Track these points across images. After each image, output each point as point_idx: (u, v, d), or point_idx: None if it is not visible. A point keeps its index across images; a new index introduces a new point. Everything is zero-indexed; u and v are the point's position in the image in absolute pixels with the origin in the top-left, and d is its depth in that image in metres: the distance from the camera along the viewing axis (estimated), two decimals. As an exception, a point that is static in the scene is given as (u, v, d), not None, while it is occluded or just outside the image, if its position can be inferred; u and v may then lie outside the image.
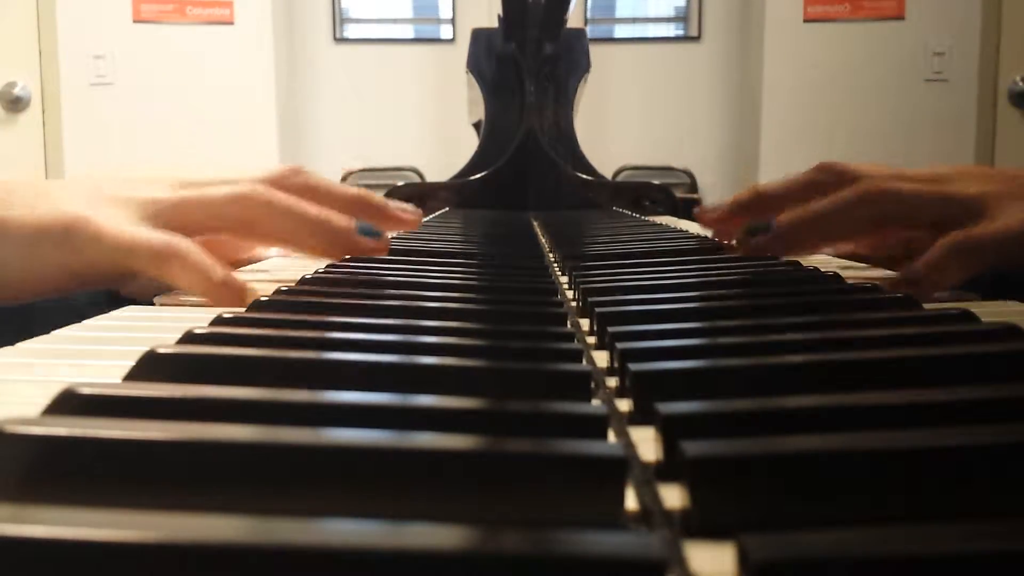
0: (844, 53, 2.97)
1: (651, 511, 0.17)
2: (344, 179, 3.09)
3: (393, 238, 0.67)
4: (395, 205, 0.52)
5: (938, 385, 0.21)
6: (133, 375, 0.23)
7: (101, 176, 0.47)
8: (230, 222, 0.47)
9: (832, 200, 0.46)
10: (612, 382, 0.26)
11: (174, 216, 0.45)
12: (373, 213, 0.51)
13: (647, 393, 0.22)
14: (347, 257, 0.49)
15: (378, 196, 0.52)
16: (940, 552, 0.12)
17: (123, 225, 0.42)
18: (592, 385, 0.23)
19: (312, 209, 0.47)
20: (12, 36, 2.84)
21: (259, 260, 0.59)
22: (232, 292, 0.41)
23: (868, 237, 0.55)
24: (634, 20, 3.47)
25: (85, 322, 0.36)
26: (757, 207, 0.50)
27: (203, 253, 0.41)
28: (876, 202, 0.46)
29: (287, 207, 0.46)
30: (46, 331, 0.35)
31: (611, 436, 0.21)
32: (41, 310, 0.48)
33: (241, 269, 0.55)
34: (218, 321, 0.30)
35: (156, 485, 0.16)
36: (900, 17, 2.96)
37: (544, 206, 1.27)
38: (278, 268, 0.57)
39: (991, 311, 0.37)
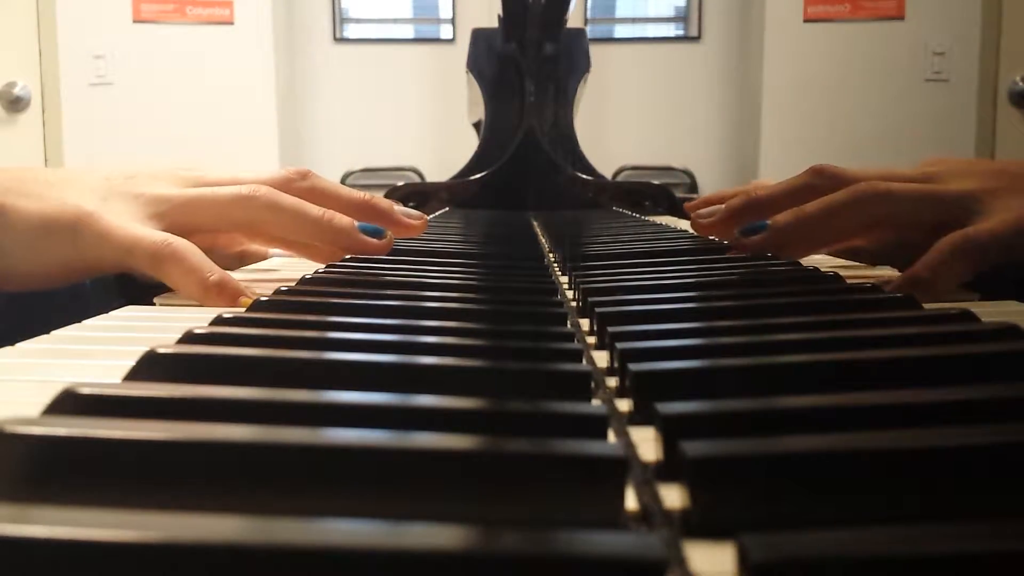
0: (844, 53, 2.97)
1: (651, 511, 0.17)
2: (344, 179, 3.09)
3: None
4: (400, 210, 0.52)
5: (938, 385, 0.21)
6: (133, 375, 0.23)
7: (109, 170, 0.47)
8: (235, 222, 0.48)
9: (825, 202, 0.47)
10: (612, 382, 0.26)
11: (180, 214, 0.45)
12: (377, 217, 0.51)
13: (647, 393, 0.22)
14: (348, 257, 0.49)
15: (384, 201, 0.52)
16: (940, 552, 0.12)
17: (126, 223, 0.43)
18: (592, 385, 0.23)
19: (314, 211, 0.47)
20: (12, 36, 2.84)
21: (265, 257, 0.60)
22: (226, 295, 0.41)
23: (863, 237, 0.55)
24: (634, 20, 3.46)
25: (85, 322, 0.36)
26: (750, 213, 0.51)
27: (199, 255, 0.42)
28: (869, 203, 0.46)
29: (290, 209, 0.47)
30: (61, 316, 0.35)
31: (611, 436, 0.21)
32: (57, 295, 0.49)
33: (241, 269, 0.55)
34: (218, 321, 0.30)
35: (156, 485, 0.16)
36: (900, 17, 2.96)
37: (544, 206, 1.27)
38: (278, 268, 0.57)
39: (991, 311, 0.37)
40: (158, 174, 0.48)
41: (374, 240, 0.49)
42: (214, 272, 0.41)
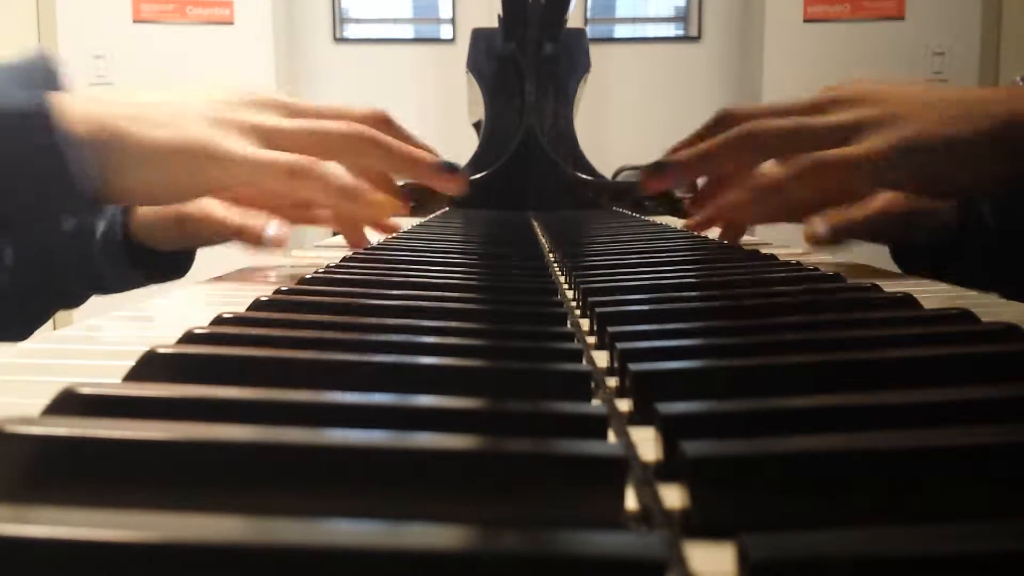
0: (844, 53, 2.97)
1: (651, 511, 0.17)
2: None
3: (393, 238, 0.67)
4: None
5: (938, 385, 0.21)
6: (133, 375, 0.23)
7: (212, 95, 0.48)
8: (339, 155, 0.49)
9: (716, 139, 0.51)
10: (612, 382, 0.26)
11: (285, 143, 0.47)
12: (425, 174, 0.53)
13: (647, 393, 0.22)
14: (349, 256, 0.49)
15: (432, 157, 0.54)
16: (940, 552, 0.12)
17: (247, 148, 0.45)
18: (592, 385, 0.23)
19: (411, 149, 0.50)
20: (12, 36, 2.84)
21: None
22: (365, 203, 0.45)
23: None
24: (634, 20, 3.46)
25: (85, 322, 0.36)
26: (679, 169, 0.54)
27: (334, 165, 0.45)
28: (751, 136, 0.49)
29: (392, 146, 0.49)
30: None
31: (611, 436, 0.21)
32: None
33: (244, 271, 0.55)
34: (218, 321, 0.30)
35: (156, 485, 0.16)
36: (900, 17, 2.96)
37: (544, 206, 1.27)
38: (287, 263, 0.57)
39: (991, 311, 0.37)
40: (263, 102, 0.49)
41: (454, 177, 0.51)
42: (350, 180, 0.44)
